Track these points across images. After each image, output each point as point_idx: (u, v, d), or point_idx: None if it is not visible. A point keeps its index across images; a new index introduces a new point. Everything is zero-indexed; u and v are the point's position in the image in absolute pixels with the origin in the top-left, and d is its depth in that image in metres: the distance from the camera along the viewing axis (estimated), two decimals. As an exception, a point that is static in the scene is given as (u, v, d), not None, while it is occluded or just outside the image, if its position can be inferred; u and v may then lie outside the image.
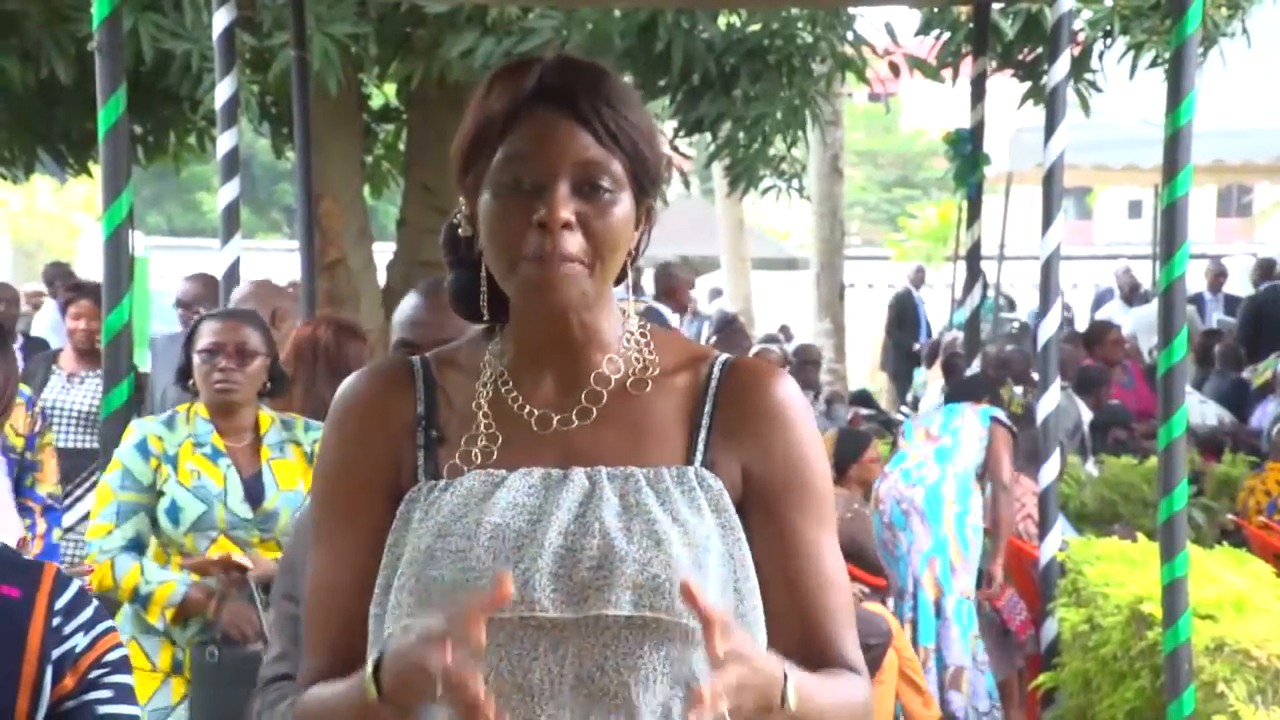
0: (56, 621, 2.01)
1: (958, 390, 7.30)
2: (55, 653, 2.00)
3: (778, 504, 1.82)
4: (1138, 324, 13.09)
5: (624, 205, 1.78)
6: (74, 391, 6.69)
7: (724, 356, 1.87)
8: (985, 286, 13.98)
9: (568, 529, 1.74)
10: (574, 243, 1.75)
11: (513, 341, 1.85)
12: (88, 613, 2.05)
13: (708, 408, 1.83)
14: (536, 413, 1.82)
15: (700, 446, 1.81)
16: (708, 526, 1.76)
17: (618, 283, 1.85)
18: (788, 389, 1.85)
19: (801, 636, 1.82)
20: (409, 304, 2.74)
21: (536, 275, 1.75)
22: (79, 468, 6.39)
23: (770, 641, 1.82)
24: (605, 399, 1.82)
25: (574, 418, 1.82)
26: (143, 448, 4.23)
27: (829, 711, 1.76)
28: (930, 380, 12.76)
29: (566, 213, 1.74)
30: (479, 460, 1.80)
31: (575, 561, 1.72)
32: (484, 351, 1.87)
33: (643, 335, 1.87)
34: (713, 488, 1.79)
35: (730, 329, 10.27)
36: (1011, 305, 17.18)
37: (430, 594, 1.73)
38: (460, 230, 1.85)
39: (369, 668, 1.72)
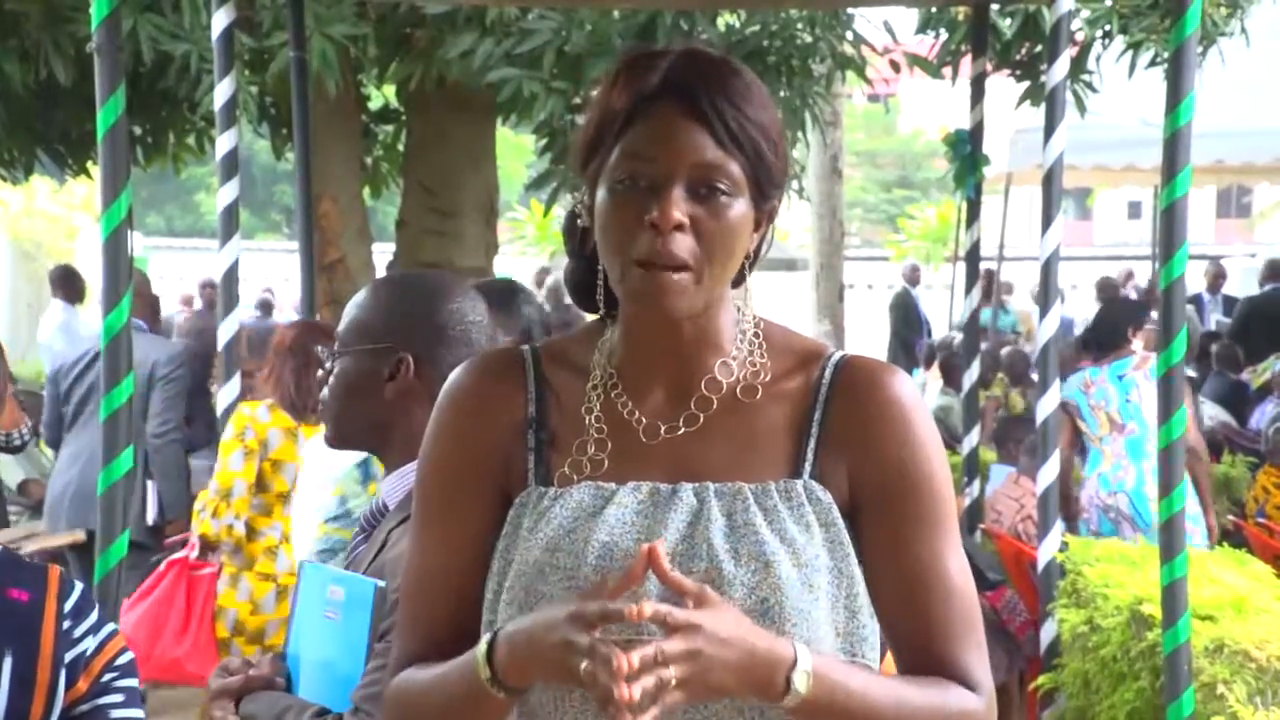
0: (66, 624, 2.01)
1: (1096, 338, 7.30)
2: (67, 656, 2.00)
3: (891, 510, 1.77)
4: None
5: (739, 208, 1.75)
6: None
7: (837, 355, 1.83)
8: (997, 293, 14.02)
9: (675, 550, 1.72)
10: (684, 246, 1.72)
11: (623, 341, 1.82)
12: (94, 615, 2.05)
13: (817, 414, 1.79)
14: (645, 421, 1.80)
15: (809, 456, 1.77)
16: (816, 544, 1.73)
17: (735, 284, 1.81)
18: (900, 387, 1.79)
19: (917, 647, 1.78)
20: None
21: (644, 286, 1.72)
22: None
23: (891, 648, 1.80)
24: (715, 406, 1.79)
25: (682, 425, 1.79)
26: (366, 469, 3.53)
27: (885, 712, 1.70)
28: (929, 382, 12.77)
29: (679, 214, 1.71)
30: (589, 470, 1.78)
31: None
32: (593, 348, 1.85)
33: (756, 336, 1.84)
34: (821, 501, 1.75)
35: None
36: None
37: (538, 609, 1.71)
38: (580, 220, 1.83)
39: (482, 648, 1.70)
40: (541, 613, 1.67)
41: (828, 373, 1.81)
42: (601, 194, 1.76)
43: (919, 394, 1.83)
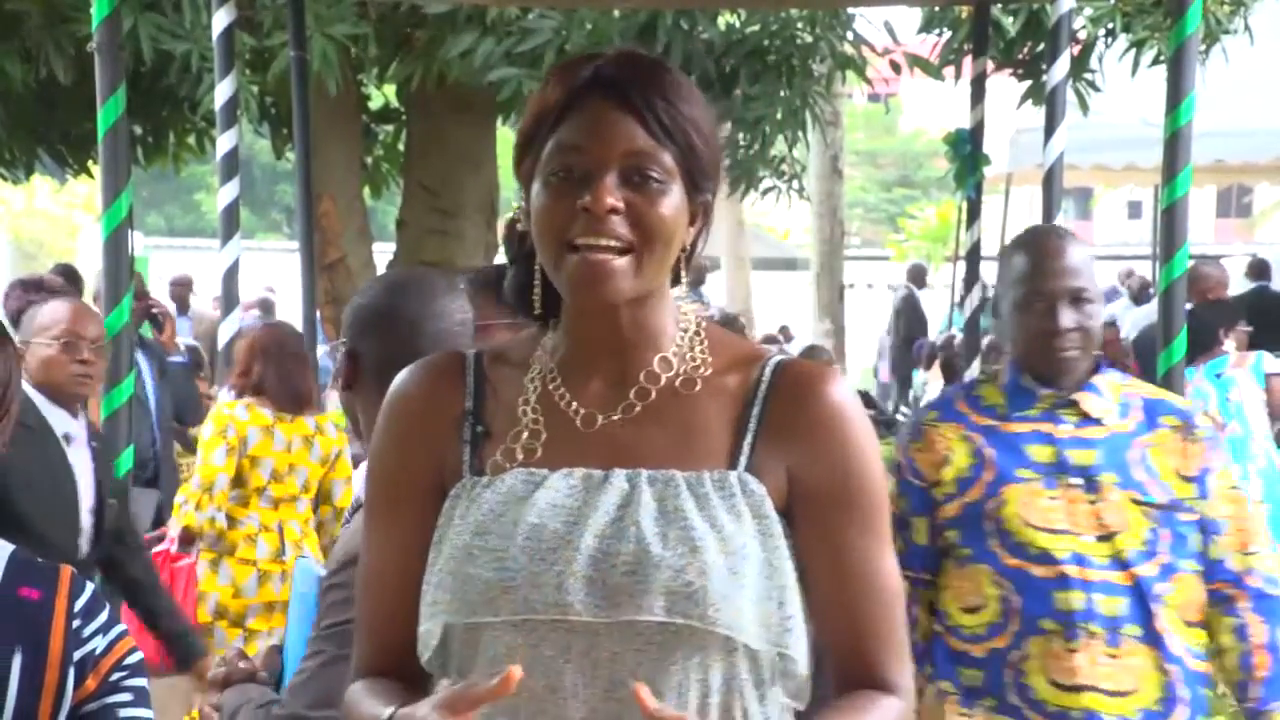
0: (76, 624, 2.02)
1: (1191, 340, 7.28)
2: (76, 655, 2.01)
3: (826, 512, 1.79)
4: (1138, 325, 13.09)
5: (674, 196, 1.76)
6: None
7: (777, 357, 1.85)
8: (985, 289, 14.02)
9: (603, 532, 1.72)
10: (620, 228, 1.73)
11: (564, 338, 1.84)
12: (104, 615, 2.06)
13: (755, 410, 1.80)
14: (583, 411, 1.81)
15: (745, 450, 1.78)
16: (746, 534, 1.74)
17: (674, 283, 1.83)
18: (840, 392, 1.81)
19: (846, 646, 1.80)
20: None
21: (581, 266, 1.73)
22: None
23: (821, 647, 1.81)
24: (653, 396, 1.81)
25: (619, 413, 1.80)
26: None
27: None
28: (930, 381, 12.78)
29: (613, 199, 1.73)
30: (522, 458, 1.79)
31: (609, 566, 1.70)
32: (536, 347, 1.87)
33: (698, 334, 1.85)
34: (755, 493, 1.76)
35: (731, 329, 10.26)
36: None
37: (467, 592, 1.73)
38: (519, 225, 1.84)
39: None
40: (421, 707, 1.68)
41: (767, 372, 1.83)
42: (536, 187, 1.78)
43: (858, 399, 1.85)
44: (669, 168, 1.76)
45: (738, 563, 1.71)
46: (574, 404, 1.81)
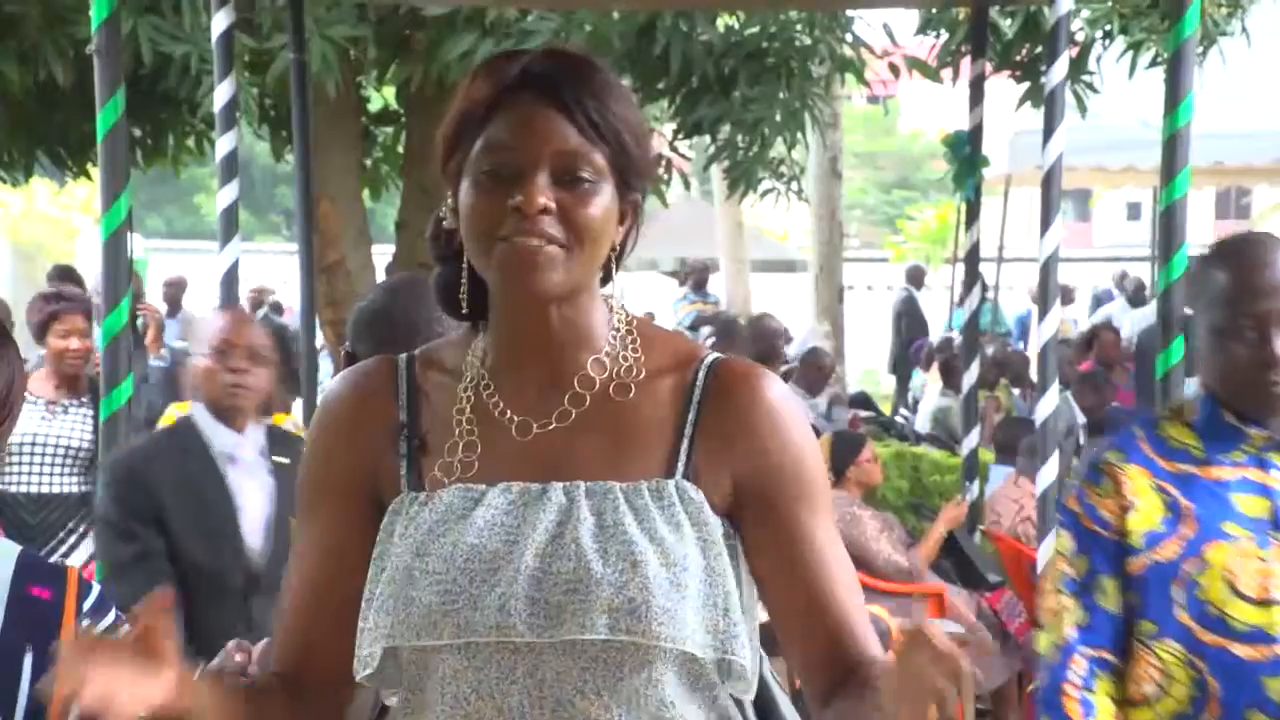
0: (85, 624, 2.04)
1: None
2: None
3: (779, 507, 1.78)
4: (1137, 326, 13.10)
5: (605, 196, 1.75)
6: (55, 423, 6.14)
7: (711, 358, 1.83)
8: (984, 289, 14.05)
9: (543, 550, 1.71)
10: (551, 227, 1.72)
11: (494, 340, 1.82)
12: (111, 615, 2.10)
13: (691, 415, 1.79)
14: (517, 419, 1.79)
15: (683, 456, 1.77)
16: (687, 544, 1.73)
17: (603, 283, 1.82)
18: (775, 390, 1.81)
19: (826, 635, 1.79)
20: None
21: (512, 253, 1.72)
22: (66, 515, 6.03)
23: (789, 644, 1.81)
24: (587, 402, 1.79)
25: (554, 421, 1.78)
26: None
27: None
28: (929, 382, 12.79)
29: (544, 199, 1.71)
30: (459, 471, 1.78)
31: (551, 585, 1.69)
32: (467, 351, 1.84)
33: (629, 333, 1.83)
34: (694, 500, 1.75)
35: (732, 331, 10.26)
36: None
37: (409, 616, 1.72)
38: (445, 222, 1.82)
39: None
40: None
41: (701, 374, 1.81)
42: (465, 186, 1.76)
43: (792, 394, 1.86)
44: (600, 167, 1.75)
45: (679, 574, 1.70)
46: (508, 412, 1.79)
